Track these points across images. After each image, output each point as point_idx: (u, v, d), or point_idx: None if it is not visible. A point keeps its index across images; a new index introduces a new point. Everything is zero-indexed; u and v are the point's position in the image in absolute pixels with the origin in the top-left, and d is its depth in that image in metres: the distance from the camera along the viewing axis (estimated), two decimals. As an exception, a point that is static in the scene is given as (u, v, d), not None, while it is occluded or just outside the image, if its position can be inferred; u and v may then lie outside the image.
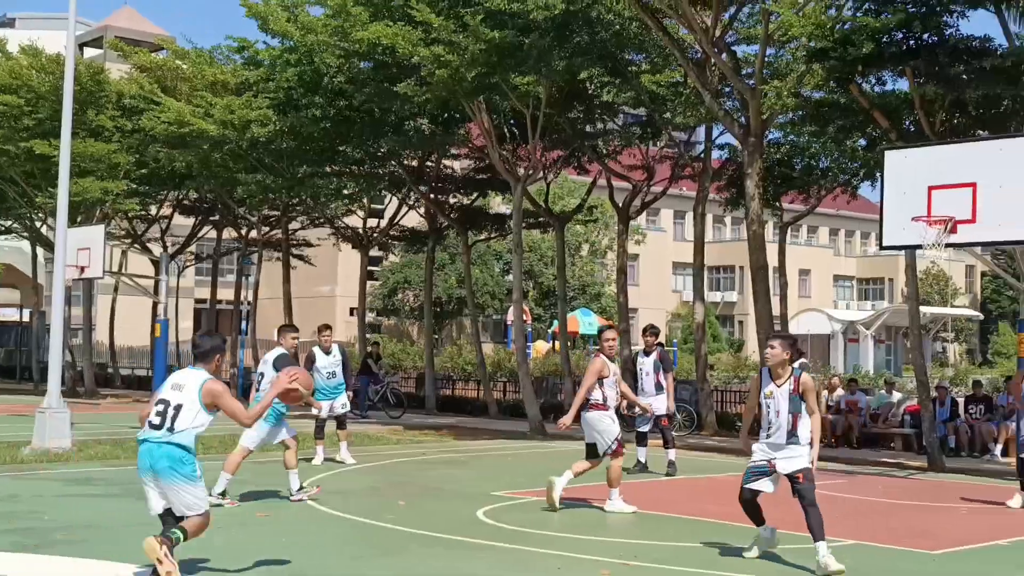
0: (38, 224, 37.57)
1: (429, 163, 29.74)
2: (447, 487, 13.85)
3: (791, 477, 8.84)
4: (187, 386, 7.63)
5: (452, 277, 53.67)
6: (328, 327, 16.35)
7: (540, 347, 45.24)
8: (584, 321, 50.55)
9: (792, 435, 8.83)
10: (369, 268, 35.95)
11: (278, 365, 12.03)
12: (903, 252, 19.26)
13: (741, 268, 62.47)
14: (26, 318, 46.05)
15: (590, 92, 25.20)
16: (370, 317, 54.25)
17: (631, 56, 23.68)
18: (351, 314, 50.91)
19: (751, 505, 9.18)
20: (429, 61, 20.82)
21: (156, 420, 7.62)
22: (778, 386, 8.91)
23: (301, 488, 12.11)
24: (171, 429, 7.53)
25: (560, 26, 20.73)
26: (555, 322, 45.41)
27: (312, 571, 8.51)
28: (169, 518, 7.66)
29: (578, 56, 21.15)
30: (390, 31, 21.07)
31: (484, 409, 28.22)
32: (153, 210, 37.72)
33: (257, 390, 12.81)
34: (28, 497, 12.12)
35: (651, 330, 15.99)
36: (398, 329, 58.82)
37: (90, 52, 57.15)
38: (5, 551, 8.90)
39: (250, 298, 36.52)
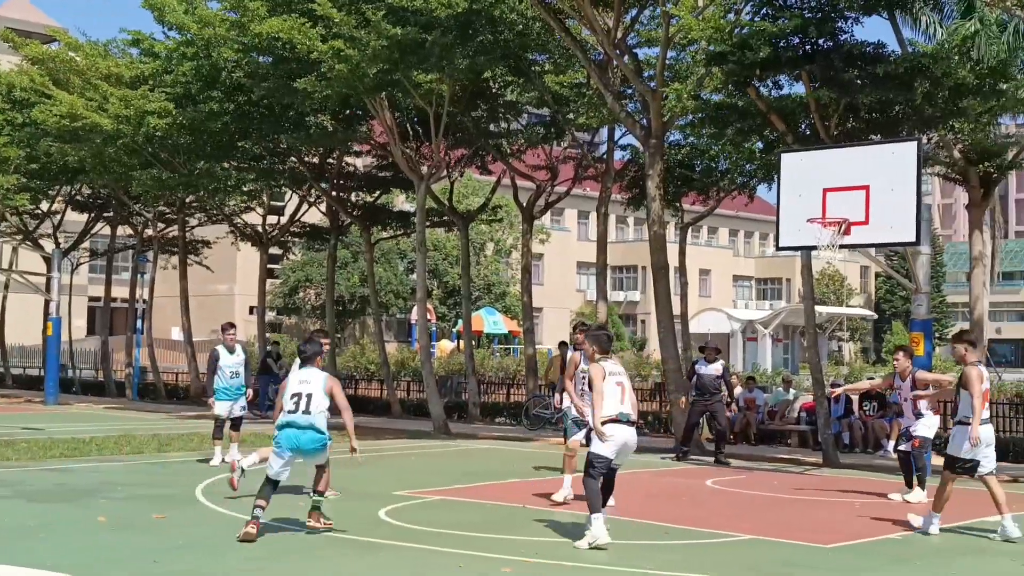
0: (-76, 219, 36.32)
1: (331, 160, 29.43)
2: (349, 487, 13.70)
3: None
4: (312, 381, 10.09)
5: (355, 275, 53.27)
6: (232, 325, 16.07)
7: (444, 346, 45.16)
8: (489, 320, 50.65)
9: None
10: (269, 266, 35.47)
11: None
12: (799, 253, 19.66)
13: (644, 268, 63.17)
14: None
15: (494, 91, 25.22)
16: (270, 316, 53.58)
17: (534, 56, 23.75)
18: (251, 312, 50.18)
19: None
20: (329, 56, 20.61)
21: (292, 406, 9.99)
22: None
23: (242, 472, 11.71)
24: (307, 411, 9.95)
25: (463, 24, 20.69)
26: (460, 321, 45.40)
27: (210, 573, 8.35)
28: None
29: (481, 55, 21.13)
30: (288, 25, 20.80)
31: (387, 408, 28.05)
32: (45, 206, 36.67)
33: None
34: (-90, 502, 11.71)
35: (583, 328, 15.97)
36: (299, 328, 58.14)
37: (-21, 43, 55.42)
38: None
39: (145, 296, 35.76)
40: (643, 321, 67.98)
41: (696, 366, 18.61)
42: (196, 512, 11.36)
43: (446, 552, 9.33)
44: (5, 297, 39.80)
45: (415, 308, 31.99)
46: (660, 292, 20.42)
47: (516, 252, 53.15)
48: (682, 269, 26.70)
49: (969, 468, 10.79)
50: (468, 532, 10.31)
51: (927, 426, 13.29)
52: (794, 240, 16.95)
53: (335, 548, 9.50)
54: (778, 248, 17.76)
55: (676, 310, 22.47)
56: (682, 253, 26.76)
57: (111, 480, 13.84)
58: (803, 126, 19.68)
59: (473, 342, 30.98)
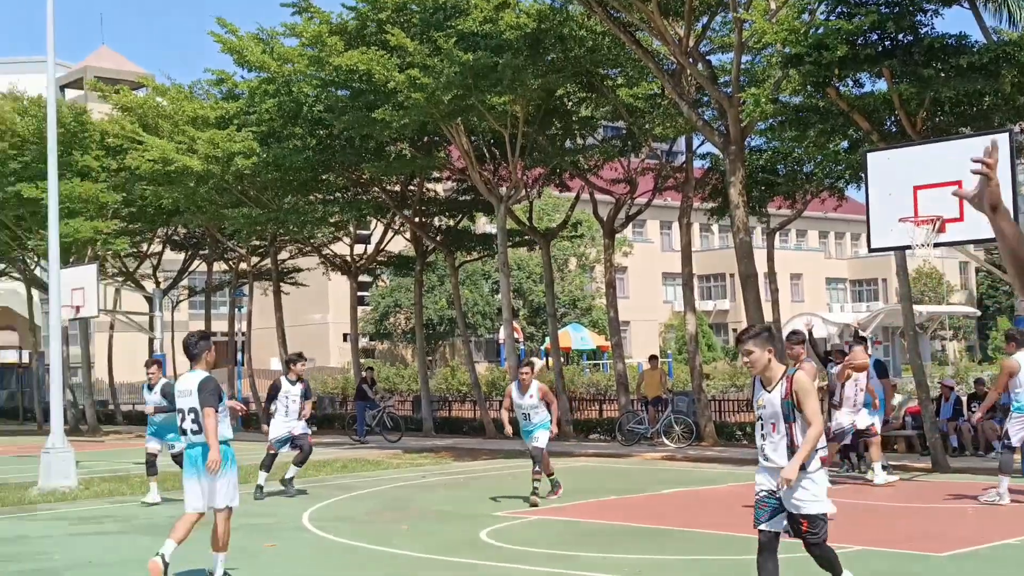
0: (31, 266, 37.55)
1: (412, 187, 29.78)
2: (449, 509, 13.82)
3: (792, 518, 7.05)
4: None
5: (442, 299, 53.68)
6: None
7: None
8: (576, 336, 50.49)
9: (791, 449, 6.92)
10: (359, 294, 35.92)
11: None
12: (893, 253, 19.27)
13: (731, 275, 62.53)
14: (25, 359, 46.01)
15: (568, 108, 25.28)
16: (363, 342, 54.19)
17: (606, 71, 23.77)
18: (344, 340, 50.88)
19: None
20: (405, 85, 20.89)
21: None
22: (768, 392, 7.03)
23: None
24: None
25: (533, 45, 20.83)
26: (547, 339, 45.50)
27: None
28: None
29: (552, 73, 21.25)
30: (366, 57, 21.16)
31: (481, 429, 28.18)
32: (143, 247, 37.71)
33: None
34: (36, 537, 12.14)
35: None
36: (392, 353, 58.78)
37: (71, 93, 57.19)
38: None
39: (244, 329, 36.48)
40: (734, 330, 67.10)
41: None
42: (305, 540, 11.54)
43: (548, 571, 9.35)
44: (111, 337, 40.91)
45: (502, 328, 32.07)
46: (750, 300, 20.22)
47: (599, 266, 53.00)
48: (771, 275, 26.35)
49: None
50: (570, 551, 10.31)
51: None
52: (886, 240, 16.57)
53: (443, 571, 9.57)
54: (870, 250, 17.40)
55: (768, 316, 22.21)
56: (770, 259, 26.44)
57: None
58: (888, 123, 19.32)
59: (562, 359, 30.96)
